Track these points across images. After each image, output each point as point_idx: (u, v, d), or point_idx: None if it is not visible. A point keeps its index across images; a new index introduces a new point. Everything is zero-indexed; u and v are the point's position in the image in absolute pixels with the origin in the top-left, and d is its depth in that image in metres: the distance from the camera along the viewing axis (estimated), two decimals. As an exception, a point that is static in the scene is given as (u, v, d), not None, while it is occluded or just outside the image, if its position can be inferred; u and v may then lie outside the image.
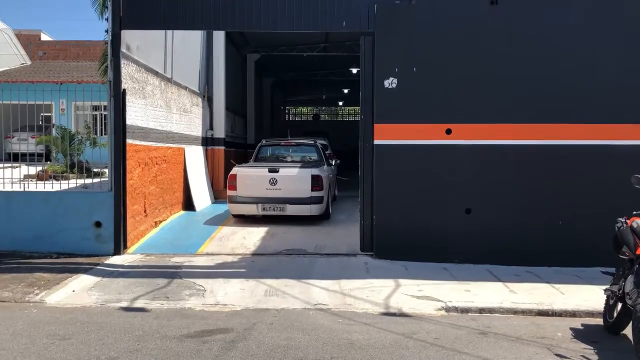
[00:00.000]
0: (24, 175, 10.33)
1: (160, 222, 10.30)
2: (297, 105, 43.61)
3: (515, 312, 6.08)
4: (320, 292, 6.60)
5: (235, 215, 10.94)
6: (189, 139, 12.53)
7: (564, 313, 6.03)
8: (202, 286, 6.79)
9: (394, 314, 5.95)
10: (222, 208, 11.96)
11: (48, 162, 16.03)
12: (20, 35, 28.07)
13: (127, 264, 7.78)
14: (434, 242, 8.07)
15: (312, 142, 12.93)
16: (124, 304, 6.14)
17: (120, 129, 8.18)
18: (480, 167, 8.05)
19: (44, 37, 30.63)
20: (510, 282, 7.04)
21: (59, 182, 9.17)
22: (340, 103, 40.02)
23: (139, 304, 6.17)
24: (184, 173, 12.07)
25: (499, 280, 7.19)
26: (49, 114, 22.49)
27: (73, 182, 10.35)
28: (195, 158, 12.92)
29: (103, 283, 6.91)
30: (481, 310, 6.09)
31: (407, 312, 6.01)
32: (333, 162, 13.23)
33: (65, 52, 30.04)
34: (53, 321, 5.52)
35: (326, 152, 13.87)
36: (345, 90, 31.48)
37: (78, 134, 17.83)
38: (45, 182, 10.78)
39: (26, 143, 16.23)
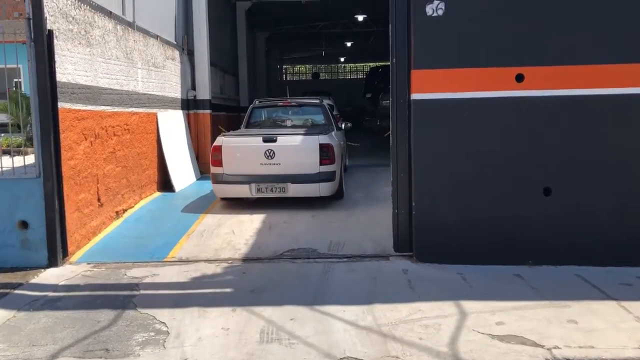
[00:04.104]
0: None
1: (125, 210, 7.91)
2: (294, 63, 40.75)
3: (665, 364, 3.76)
4: (347, 331, 4.25)
5: (223, 198, 8.54)
6: (163, 102, 10.01)
7: None
8: (164, 324, 4.44)
9: (472, 377, 3.62)
10: (208, 186, 9.49)
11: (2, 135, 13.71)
12: (-8, -5, 25.17)
13: (62, 284, 5.41)
14: (499, 236, 5.70)
15: (317, 101, 10.40)
16: (33, 370, 3.80)
17: (46, 88, 5.70)
18: (564, 129, 5.60)
19: (20, -3, 27.59)
20: (627, 301, 4.68)
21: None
22: (342, 59, 37.11)
23: (57, 367, 3.83)
24: (158, 145, 9.61)
25: (605, 295, 4.85)
26: (19, 80, 19.97)
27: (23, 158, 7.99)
28: (172, 125, 10.43)
29: (15, 322, 4.55)
30: (610, 364, 3.77)
31: (492, 371, 3.68)
32: (343, 126, 10.72)
33: (42, 13, 27.13)
34: None
35: (334, 114, 11.37)
36: (349, 44, 28.64)
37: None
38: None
39: (-12, 113, 14.34)
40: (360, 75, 38.83)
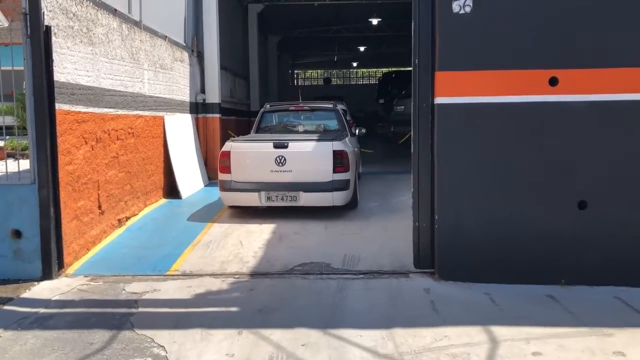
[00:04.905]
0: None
1: (128, 218, 7.52)
2: (306, 68, 40.46)
3: None
4: (365, 360, 3.82)
5: (231, 206, 8.13)
6: (170, 105, 9.64)
7: None
8: (163, 348, 4.02)
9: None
10: (216, 193, 9.06)
11: (7, 137, 13.40)
12: (5, -4, 25.05)
13: (55, 299, 5.00)
14: (529, 252, 5.23)
15: (330, 106, 9.97)
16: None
17: (43, 88, 5.32)
18: (603, 137, 5.13)
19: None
20: (677, 329, 4.22)
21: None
22: (355, 64, 36.72)
23: (41, 398, 3.42)
24: (165, 150, 9.23)
25: (651, 322, 4.38)
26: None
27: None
28: (180, 129, 10.06)
29: (1, 343, 4.15)
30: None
31: (532, 412, 3.21)
32: (357, 132, 10.28)
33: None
34: None
35: (347, 119, 10.94)
36: (362, 49, 28.23)
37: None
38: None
39: (-1, 115, 14.07)
40: (373, 81, 38.45)
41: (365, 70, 40.63)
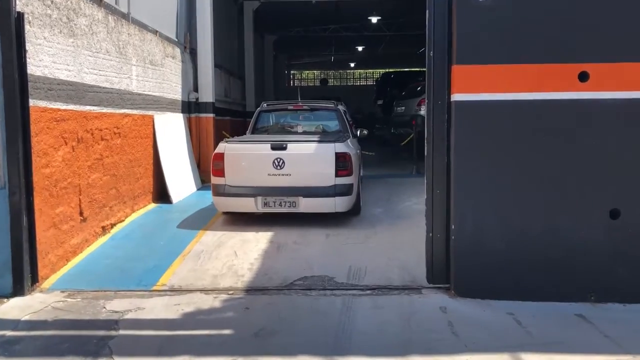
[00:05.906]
0: None
1: (113, 225, 6.95)
2: (302, 69, 39.95)
3: None
4: (379, 397, 3.28)
5: (225, 212, 7.57)
6: (160, 103, 9.08)
7: None
8: (144, 381, 3.48)
9: None
10: (209, 197, 8.47)
11: None
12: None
13: (26, 319, 4.43)
14: (555, 266, 4.72)
15: (331, 105, 9.42)
16: None
17: (14, 82, 4.76)
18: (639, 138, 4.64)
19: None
20: None
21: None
22: (352, 65, 36.19)
23: None
24: (154, 151, 8.66)
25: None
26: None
27: None
28: (171, 129, 9.50)
29: (-44, 374, 3.60)
30: None
31: None
32: (358, 133, 9.73)
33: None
34: None
35: (348, 119, 10.38)
36: (360, 48, 27.70)
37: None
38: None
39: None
40: (370, 82, 37.99)
41: (362, 71, 40.15)
